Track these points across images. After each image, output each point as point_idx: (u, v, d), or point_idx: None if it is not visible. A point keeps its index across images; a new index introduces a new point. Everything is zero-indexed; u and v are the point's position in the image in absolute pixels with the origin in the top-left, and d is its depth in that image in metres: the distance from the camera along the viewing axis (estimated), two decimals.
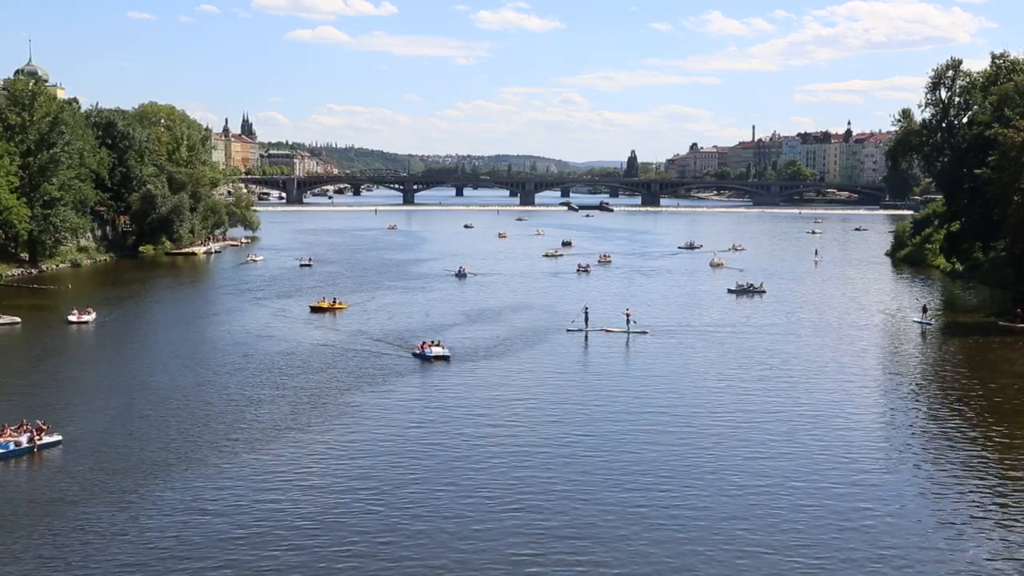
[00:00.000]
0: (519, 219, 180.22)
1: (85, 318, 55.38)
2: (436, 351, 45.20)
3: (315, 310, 60.59)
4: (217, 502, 26.45)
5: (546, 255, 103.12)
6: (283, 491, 27.42)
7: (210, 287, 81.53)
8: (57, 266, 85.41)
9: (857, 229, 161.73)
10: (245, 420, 34.80)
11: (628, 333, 52.96)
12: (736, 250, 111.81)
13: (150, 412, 35.87)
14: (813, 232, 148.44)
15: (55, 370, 44.62)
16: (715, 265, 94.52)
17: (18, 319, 55.81)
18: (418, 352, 45.72)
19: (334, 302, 61.78)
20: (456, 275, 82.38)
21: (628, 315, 54.52)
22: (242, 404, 37.02)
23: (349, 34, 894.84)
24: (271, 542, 23.78)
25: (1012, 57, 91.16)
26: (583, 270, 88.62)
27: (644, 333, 53.01)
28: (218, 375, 42.40)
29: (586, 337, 52.22)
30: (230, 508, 25.99)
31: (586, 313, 54.67)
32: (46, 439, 31.33)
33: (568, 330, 53.63)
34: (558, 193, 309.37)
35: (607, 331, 53.42)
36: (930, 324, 58.46)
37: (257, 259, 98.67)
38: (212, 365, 44.69)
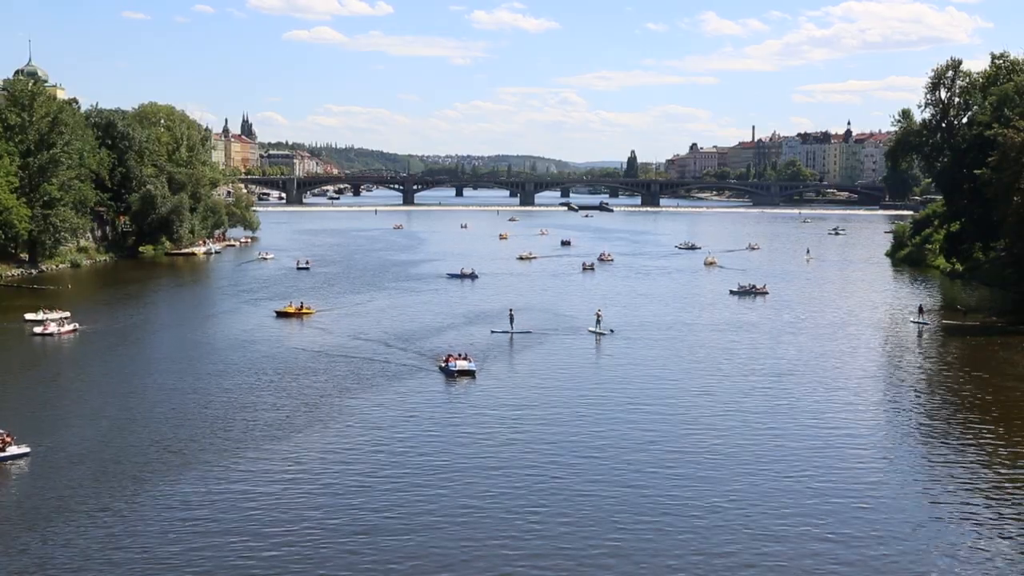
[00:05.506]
0: (512, 219, 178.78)
1: (53, 329, 51.85)
2: (461, 365, 42.35)
3: (281, 315, 59.20)
4: (199, 515, 25.68)
5: (520, 258, 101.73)
6: (272, 504, 26.87)
7: (206, 289, 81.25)
8: (57, 266, 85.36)
9: (835, 230, 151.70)
10: (229, 429, 34.04)
11: (596, 333, 53.16)
12: (752, 248, 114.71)
13: (129, 423, 34.43)
14: (836, 232, 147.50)
15: (34, 377, 43.05)
16: (708, 264, 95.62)
17: (67, 314, 55.66)
18: (442, 365, 43.17)
19: (301, 307, 60.35)
20: (459, 276, 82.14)
21: (599, 315, 55.01)
22: (227, 413, 36.22)
23: (345, 34, 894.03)
24: (256, 561, 23.07)
25: (1012, 57, 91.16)
26: (588, 268, 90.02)
27: (603, 335, 52.90)
28: (203, 382, 41.22)
29: (511, 339, 51.90)
30: (213, 522, 25.19)
31: (511, 315, 54.49)
32: (11, 451, 29.70)
33: (492, 332, 53.47)
34: (558, 193, 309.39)
35: (590, 331, 53.73)
36: (927, 324, 58.46)
37: (268, 257, 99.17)
38: (198, 373, 43.30)
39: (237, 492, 27.45)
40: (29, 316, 55.11)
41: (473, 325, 56.50)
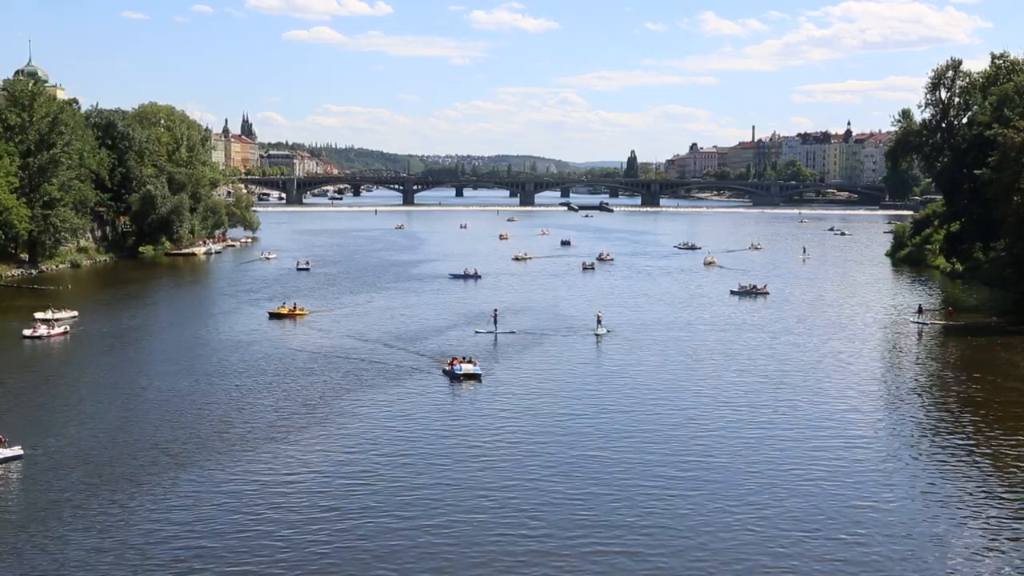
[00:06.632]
0: (511, 219, 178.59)
1: (43, 331, 51.26)
2: (467, 368, 41.95)
3: (274, 316, 59.00)
4: (195, 517, 25.57)
5: (515, 258, 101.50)
6: (272, 506, 26.78)
7: (205, 290, 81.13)
8: (57, 267, 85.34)
9: (833, 230, 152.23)
10: (225, 432, 33.83)
11: (595, 334, 53.18)
12: (755, 248, 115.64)
13: (123, 424, 34.36)
14: (842, 233, 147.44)
15: (27, 379, 42.47)
16: (708, 264, 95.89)
17: (75, 313, 55.87)
18: (447, 369, 42.68)
19: (294, 308, 60.11)
20: (462, 276, 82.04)
21: (599, 316, 55.19)
22: (223, 414, 36.06)
23: (345, 34, 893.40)
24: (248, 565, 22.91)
25: (1012, 57, 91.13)
26: (588, 268, 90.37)
27: (603, 335, 52.88)
28: (198, 384, 41.02)
29: (495, 339, 51.89)
30: (209, 525, 25.08)
31: (495, 315, 54.88)
32: (4, 453, 29.33)
33: (476, 332, 53.44)
34: (558, 193, 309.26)
35: (595, 333, 53.57)
36: (927, 324, 58.37)
37: (270, 257, 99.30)
38: (193, 374, 43.01)
39: (234, 494, 27.33)
40: (39, 315, 55.02)
41: (474, 326, 56.32)
